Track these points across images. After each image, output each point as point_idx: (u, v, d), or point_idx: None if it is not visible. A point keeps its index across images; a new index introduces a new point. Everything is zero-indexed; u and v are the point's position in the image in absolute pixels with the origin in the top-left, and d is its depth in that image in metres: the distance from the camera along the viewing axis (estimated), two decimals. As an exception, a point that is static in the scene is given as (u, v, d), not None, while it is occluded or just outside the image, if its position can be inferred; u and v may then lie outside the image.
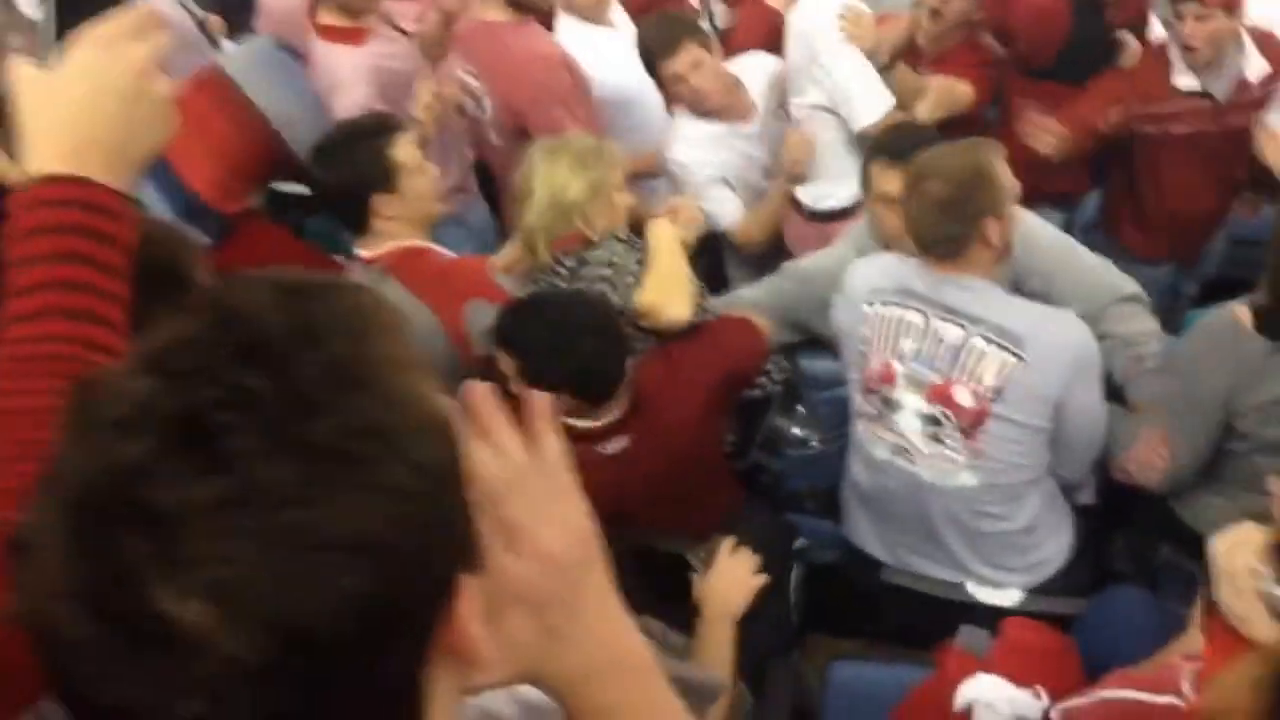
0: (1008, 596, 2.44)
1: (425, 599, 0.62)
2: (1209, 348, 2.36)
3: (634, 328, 2.52)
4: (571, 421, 2.31)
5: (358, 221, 2.67)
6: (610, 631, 0.77)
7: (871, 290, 2.50)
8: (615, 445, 2.38)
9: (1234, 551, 1.83)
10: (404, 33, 3.42)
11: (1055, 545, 2.49)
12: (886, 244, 2.77)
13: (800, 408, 2.81)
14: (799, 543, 2.51)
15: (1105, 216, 3.78)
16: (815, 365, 2.83)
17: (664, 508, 2.42)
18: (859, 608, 2.64)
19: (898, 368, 2.44)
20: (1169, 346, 2.54)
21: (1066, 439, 2.41)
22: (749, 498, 2.72)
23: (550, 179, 2.63)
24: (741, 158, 3.52)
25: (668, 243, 2.60)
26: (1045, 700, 1.94)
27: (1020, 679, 1.98)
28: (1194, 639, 1.95)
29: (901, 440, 2.46)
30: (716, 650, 2.12)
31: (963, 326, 2.38)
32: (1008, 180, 2.40)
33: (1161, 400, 2.38)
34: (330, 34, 3.27)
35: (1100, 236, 3.58)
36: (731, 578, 2.22)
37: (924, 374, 2.41)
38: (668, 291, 2.53)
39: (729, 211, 3.44)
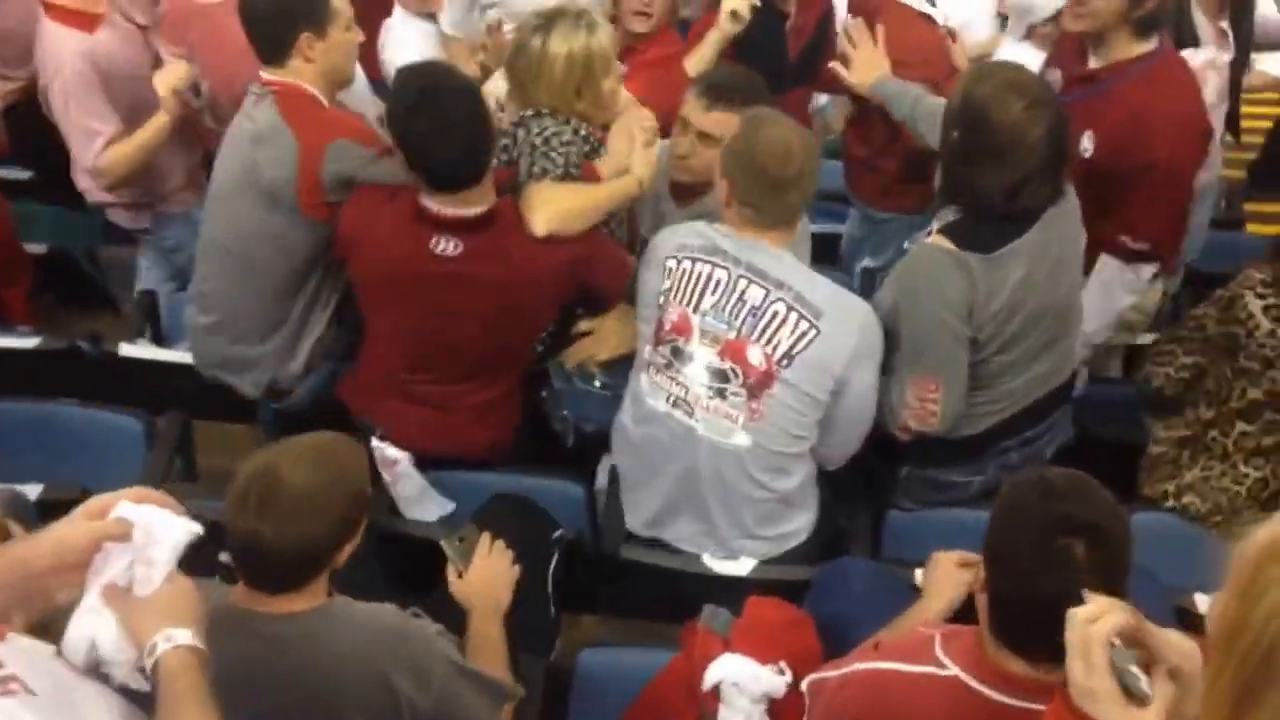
0: (742, 566, 2.51)
1: None
2: (932, 285, 2.46)
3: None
4: (428, 203, 2.56)
5: (276, 50, 2.76)
6: None
7: (678, 247, 2.53)
8: (449, 245, 2.56)
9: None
10: (140, 27, 3.38)
11: (805, 519, 2.59)
12: (684, 174, 2.94)
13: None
14: (557, 533, 2.49)
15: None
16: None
17: (459, 365, 2.70)
18: (606, 584, 2.67)
19: (695, 320, 2.47)
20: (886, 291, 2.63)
21: (838, 418, 2.49)
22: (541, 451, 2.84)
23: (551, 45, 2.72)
24: None
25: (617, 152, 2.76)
26: (789, 674, 2.03)
27: (763, 655, 2.05)
28: (928, 606, 2.09)
29: (684, 392, 2.48)
30: (490, 647, 2.14)
31: (766, 290, 2.42)
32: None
33: (913, 349, 2.48)
34: (59, 15, 3.21)
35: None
36: (490, 573, 2.25)
37: (720, 329, 2.45)
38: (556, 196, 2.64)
39: None
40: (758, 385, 2.44)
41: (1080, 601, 1.42)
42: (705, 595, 2.30)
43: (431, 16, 3.80)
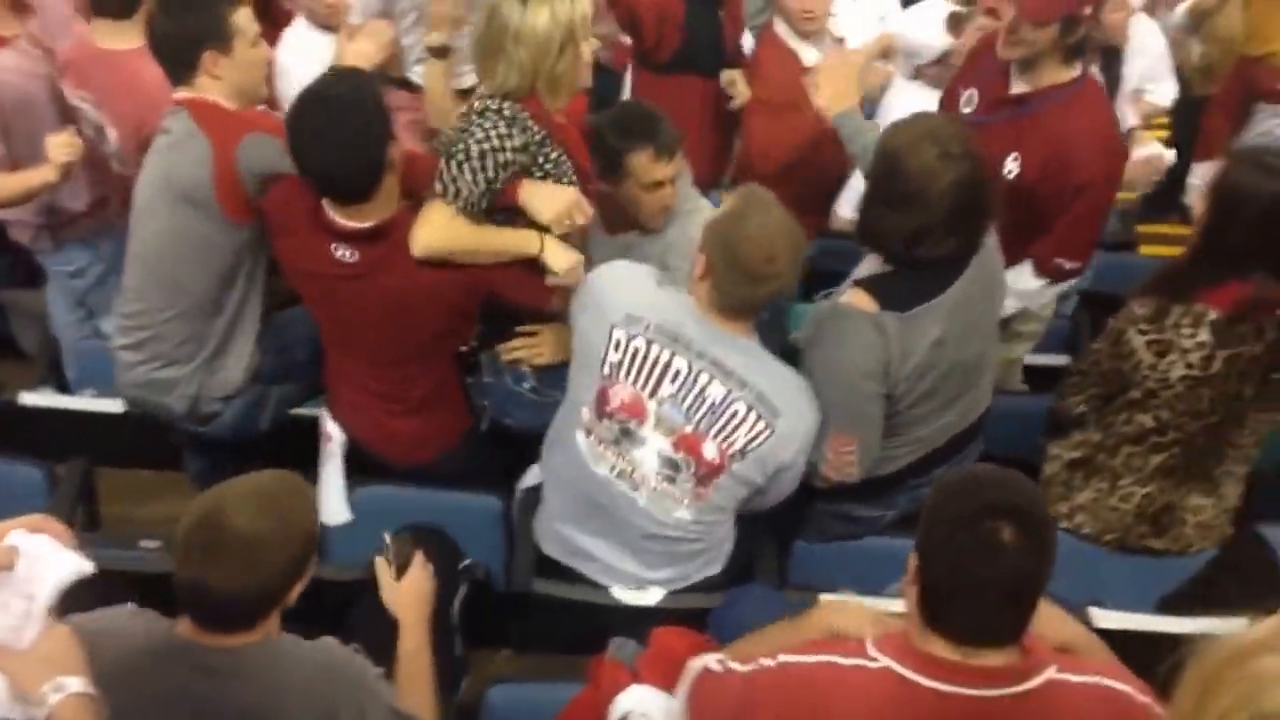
0: (651, 596, 2.54)
1: None
2: (849, 349, 2.47)
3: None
4: (329, 212, 2.57)
5: (184, 70, 2.79)
6: None
7: (629, 316, 2.45)
8: (347, 253, 2.60)
9: (834, 615, 2.02)
10: (49, 51, 3.36)
11: (726, 555, 2.63)
12: (627, 220, 2.96)
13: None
14: (464, 564, 2.50)
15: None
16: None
17: (379, 353, 2.73)
18: (517, 619, 2.68)
19: (650, 407, 2.44)
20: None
21: (774, 489, 2.54)
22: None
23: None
24: None
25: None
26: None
27: (670, 684, 2.07)
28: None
29: (631, 469, 2.48)
30: (422, 674, 2.14)
31: (729, 389, 2.41)
32: None
33: (831, 409, 2.49)
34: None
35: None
36: (419, 587, 2.26)
37: (677, 421, 2.43)
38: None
39: None
40: (708, 475, 2.46)
41: (1010, 582, 1.58)
42: (616, 627, 2.32)
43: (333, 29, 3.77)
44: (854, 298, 2.50)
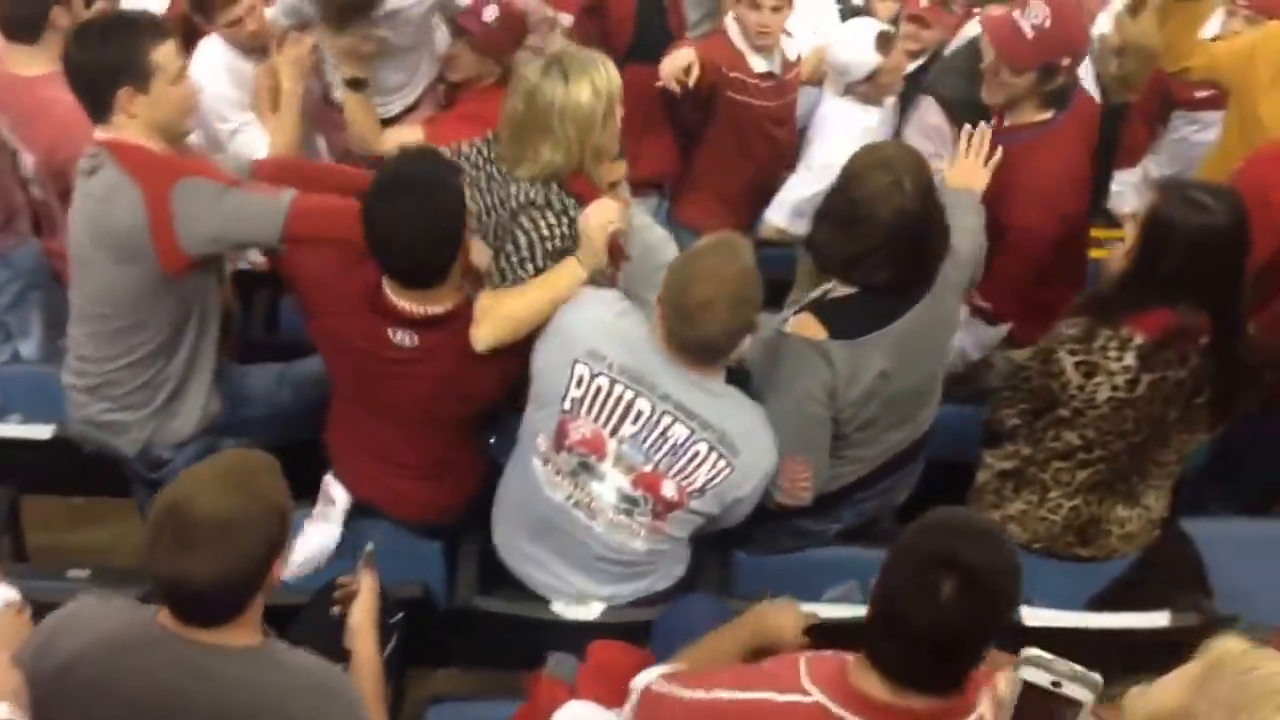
0: (591, 611, 2.55)
1: None
2: (797, 377, 2.49)
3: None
4: (389, 294, 2.53)
5: (100, 107, 2.66)
6: None
7: (592, 353, 2.44)
8: (406, 338, 2.55)
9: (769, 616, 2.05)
10: None
11: (675, 576, 2.63)
12: None
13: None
14: (395, 618, 2.42)
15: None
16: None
17: (404, 425, 2.67)
18: (458, 636, 2.67)
19: (611, 445, 2.44)
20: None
21: (729, 517, 2.55)
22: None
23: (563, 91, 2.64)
24: None
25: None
26: (633, 717, 2.07)
27: (608, 699, 2.08)
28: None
29: (589, 500, 2.48)
30: (366, 665, 2.12)
31: (691, 430, 2.41)
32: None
33: (782, 436, 2.51)
34: None
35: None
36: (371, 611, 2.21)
37: (637, 460, 2.43)
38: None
39: None
40: (665, 510, 2.48)
41: (942, 636, 1.56)
42: (558, 641, 2.34)
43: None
44: (803, 324, 2.52)
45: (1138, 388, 2.58)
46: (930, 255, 2.53)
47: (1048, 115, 3.13)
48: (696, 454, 2.42)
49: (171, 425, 2.86)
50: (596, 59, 2.72)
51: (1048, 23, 2.98)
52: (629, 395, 2.42)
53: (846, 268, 2.49)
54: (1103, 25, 4.75)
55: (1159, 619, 2.50)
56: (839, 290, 2.57)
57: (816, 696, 1.70)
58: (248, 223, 2.66)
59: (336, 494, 2.71)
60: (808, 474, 2.55)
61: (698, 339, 2.38)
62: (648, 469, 2.44)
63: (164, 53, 2.64)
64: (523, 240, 2.67)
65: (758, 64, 3.85)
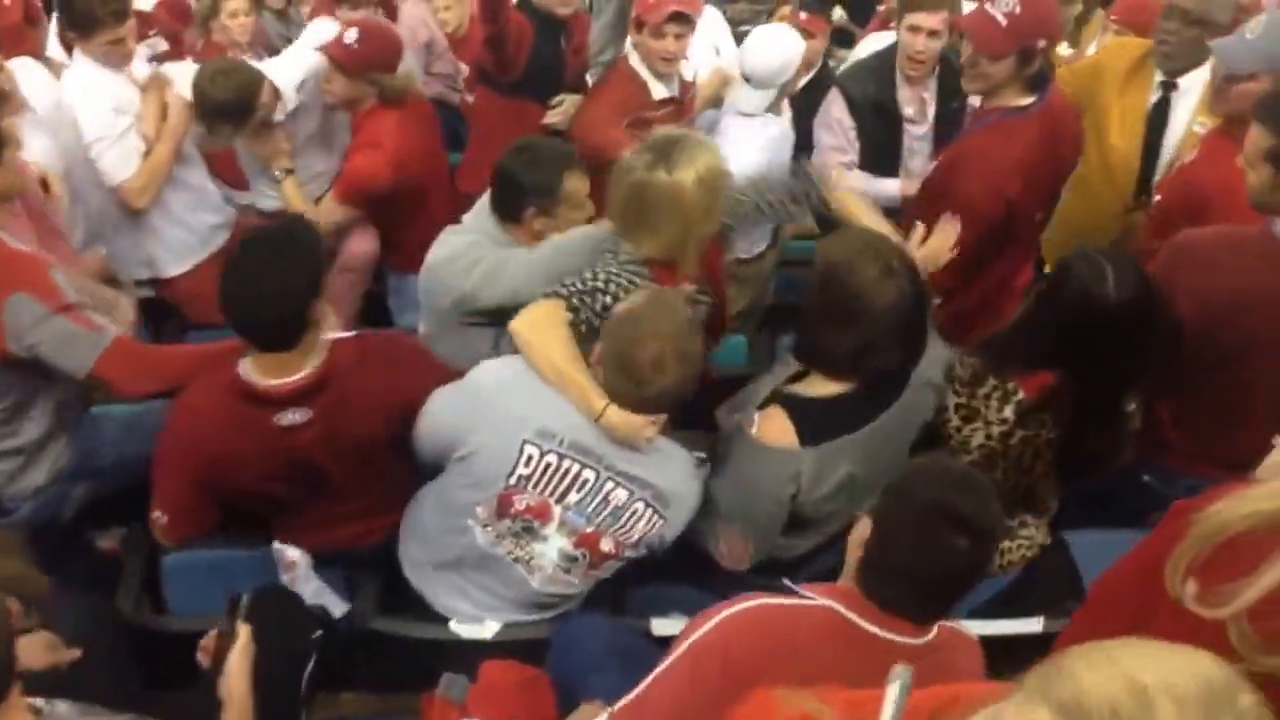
0: (488, 630, 2.60)
1: None
2: (760, 476, 2.50)
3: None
4: (255, 381, 2.47)
5: None
6: None
7: (541, 431, 2.44)
8: (294, 417, 2.49)
9: None
10: None
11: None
12: None
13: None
14: (316, 634, 2.44)
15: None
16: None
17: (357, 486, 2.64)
18: (361, 658, 2.70)
19: (556, 511, 2.49)
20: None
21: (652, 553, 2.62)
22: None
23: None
24: None
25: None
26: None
27: (499, 718, 2.15)
28: None
29: (529, 558, 2.54)
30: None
31: (631, 491, 2.48)
32: None
33: (731, 515, 2.56)
34: None
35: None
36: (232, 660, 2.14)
37: (579, 523, 2.50)
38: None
39: None
40: (600, 561, 2.55)
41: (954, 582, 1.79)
42: (457, 661, 2.38)
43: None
44: (771, 423, 2.50)
45: (1010, 440, 2.60)
46: (925, 330, 2.56)
47: (1029, 100, 3.21)
48: (635, 511, 2.50)
49: (24, 479, 2.87)
50: (699, 142, 2.81)
51: (1018, 8, 3.10)
52: (576, 467, 2.46)
53: (856, 364, 2.46)
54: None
55: (1033, 624, 2.61)
56: (816, 387, 2.54)
57: (823, 600, 1.84)
58: (63, 352, 2.67)
59: (292, 555, 2.67)
60: (747, 549, 2.58)
61: (653, 397, 2.40)
62: (589, 530, 2.50)
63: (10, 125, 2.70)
64: (589, 276, 2.71)
65: (659, 90, 3.94)
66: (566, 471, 2.45)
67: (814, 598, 1.85)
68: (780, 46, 3.96)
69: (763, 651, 1.78)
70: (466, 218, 3.21)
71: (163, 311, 3.97)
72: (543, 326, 2.56)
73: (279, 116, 3.95)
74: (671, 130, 2.99)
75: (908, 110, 4.05)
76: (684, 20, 3.82)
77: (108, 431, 2.96)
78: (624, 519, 2.50)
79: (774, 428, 2.49)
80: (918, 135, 4.08)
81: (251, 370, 2.50)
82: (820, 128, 4.13)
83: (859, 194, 3.45)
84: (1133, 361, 2.56)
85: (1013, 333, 2.68)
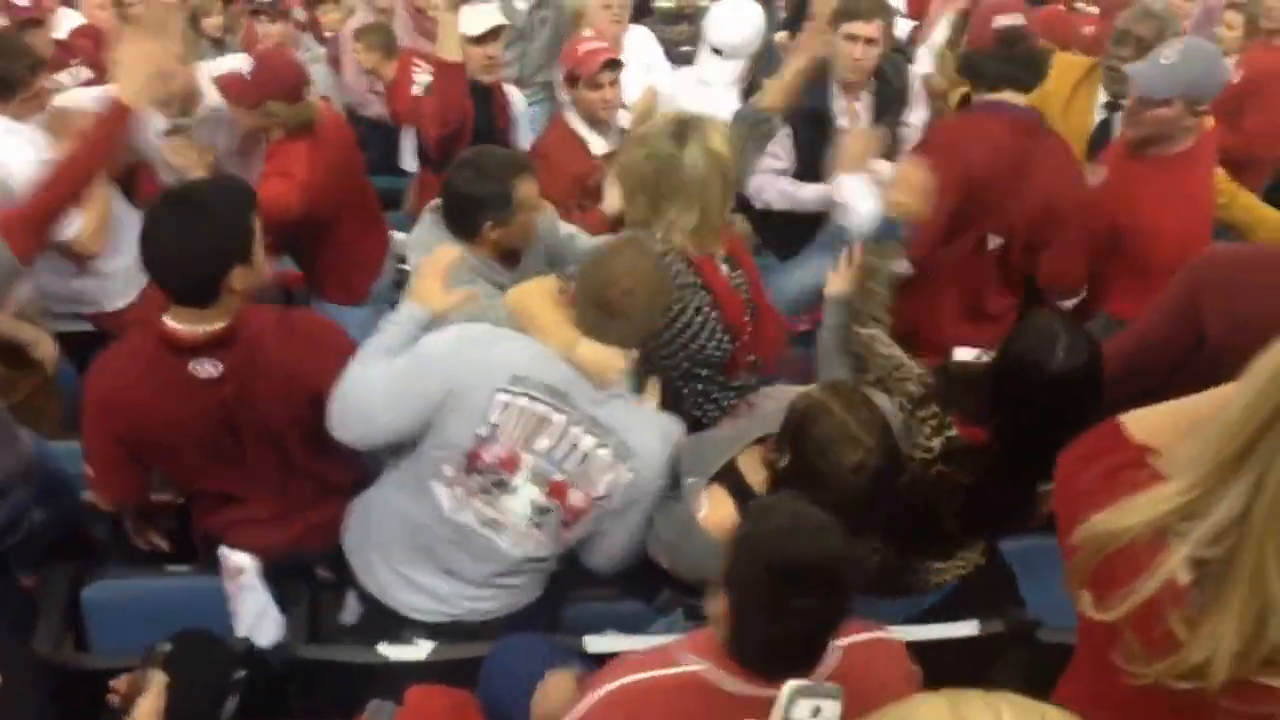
0: (420, 651, 2.56)
1: None
2: (706, 548, 2.37)
3: None
4: (172, 324, 2.48)
5: None
6: None
7: (515, 377, 2.45)
8: (207, 368, 2.50)
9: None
10: None
11: (537, 593, 2.70)
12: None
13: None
14: (238, 675, 2.36)
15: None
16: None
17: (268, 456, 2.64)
18: (292, 684, 2.64)
19: (526, 459, 2.47)
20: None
21: (617, 530, 2.60)
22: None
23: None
24: None
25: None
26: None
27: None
28: None
29: (498, 517, 2.51)
30: None
31: (597, 437, 2.48)
32: None
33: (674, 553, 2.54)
34: None
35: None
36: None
37: (550, 471, 2.48)
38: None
39: None
40: (573, 519, 2.54)
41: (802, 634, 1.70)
42: (390, 685, 2.34)
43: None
44: (717, 511, 2.45)
45: (930, 469, 2.59)
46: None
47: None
48: (599, 460, 2.49)
49: None
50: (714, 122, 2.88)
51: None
52: (545, 409, 2.46)
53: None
54: (924, 64, 4.96)
55: (968, 628, 2.61)
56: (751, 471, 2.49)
57: (694, 666, 1.78)
58: None
59: (240, 561, 2.63)
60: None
61: (619, 329, 2.45)
62: (559, 479, 2.49)
63: None
64: None
65: (598, 145, 4.01)
66: (535, 415, 2.46)
67: (685, 663, 1.80)
68: (745, 15, 4.11)
69: None
70: (411, 240, 3.18)
71: (104, 343, 3.89)
72: (528, 287, 2.61)
73: (194, 120, 3.90)
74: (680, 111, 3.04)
75: (842, 121, 4.07)
76: (616, 65, 3.95)
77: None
78: (589, 467, 2.49)
79: (719, 514, 2.45)
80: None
81: (170, 318, 2.52)
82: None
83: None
84: (1061, 436, 2.51)
85: (972, 378, 2.66)
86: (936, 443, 2.60)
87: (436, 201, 3.11)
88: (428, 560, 2.60)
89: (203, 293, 2.47)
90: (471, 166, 3.01)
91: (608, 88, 3.92)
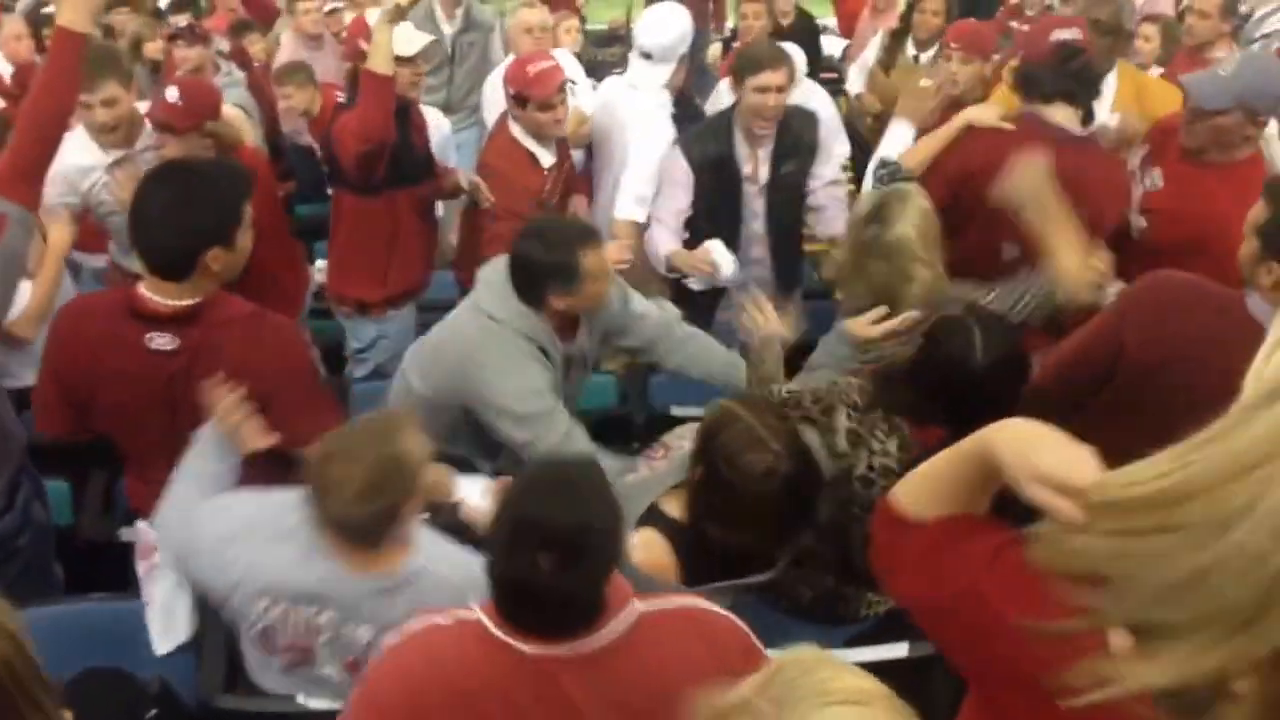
0: (339, 701, 2.47)
1: None
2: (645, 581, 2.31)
3: None
4: (143, 291, 2.58)
5: None
6: None
7: (264, 588, 2.28)
8: (163, 342, 2.57)
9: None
10: None
11: None
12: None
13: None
14: (150, 714, 2.31)
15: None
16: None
17: None
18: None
19: (317, 647, 2.34)
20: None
21: None
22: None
23: None
24: None
25: None
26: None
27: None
28: None
29: (320, 675, 2.39)
30: None
31: (374, 625, 2.26)
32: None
33: None
34: None
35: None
36: None
37: (344, 653, 2.34)
38: None
39: None
40: None
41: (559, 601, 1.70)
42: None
43: None
44: (649, 551, 2.39)
45: (890, 476, 2.48)
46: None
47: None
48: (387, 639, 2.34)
49: None
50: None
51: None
52: (309, 613, 2.30)
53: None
54: (855, 84, 4.99)
55: (898, 649, 2.57)
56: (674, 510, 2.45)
57: (477, 614, 1.79)
58: None
59: (154, 538, 2.54)
60: None
61: (332, 519, 2.19)
62: (354, 657, 2.32)
63: None
64: None
65: (546, 158, 4.04)
66: (304, 623, 2.31)
67: (473, 611, 1.80)
68: (673, 19, 4.14)
69: (412, 689, 1.77)
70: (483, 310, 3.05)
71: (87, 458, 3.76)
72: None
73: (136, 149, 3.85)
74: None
75: (746, 169, 4.00)
76: (564, 84, 4.01)
77: None
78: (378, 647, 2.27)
79: (652, 556, 2.38)
80: (753, 194, 4.02)
81: (144, 285, 2.60)
82: (666, 181, 4.07)
83: None
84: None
85: (899, 379, 2.61)
86: (893, 444, 2.58)
87: None
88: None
89: (177, 267, 2.55)
90: (538, 236, 3.01)
91: (559, 107, 3.96)
